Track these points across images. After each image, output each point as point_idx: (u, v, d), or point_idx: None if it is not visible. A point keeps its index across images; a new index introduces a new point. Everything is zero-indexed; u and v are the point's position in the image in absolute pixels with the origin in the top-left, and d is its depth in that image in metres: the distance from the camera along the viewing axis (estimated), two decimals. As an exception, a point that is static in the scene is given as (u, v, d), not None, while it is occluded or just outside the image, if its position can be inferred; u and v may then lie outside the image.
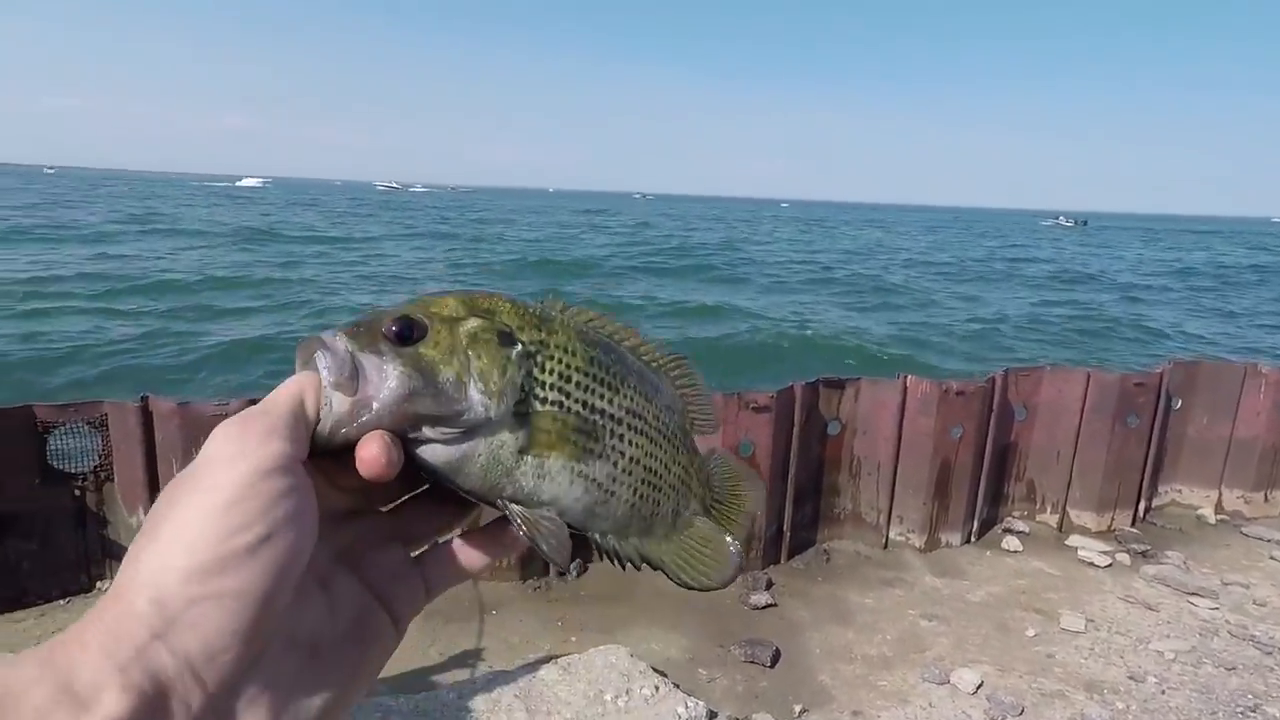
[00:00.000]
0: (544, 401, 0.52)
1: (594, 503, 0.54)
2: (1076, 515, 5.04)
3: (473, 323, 0.51)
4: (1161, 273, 31.06)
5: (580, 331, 0.56)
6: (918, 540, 4.66)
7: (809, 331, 14.82)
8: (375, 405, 0.46)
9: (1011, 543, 4.79)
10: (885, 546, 4.67)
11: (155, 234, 29.35)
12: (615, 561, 0.57)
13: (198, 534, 0.36)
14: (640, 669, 3.11)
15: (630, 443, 0.56)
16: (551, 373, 0.52)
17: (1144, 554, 4.71)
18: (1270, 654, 3.64)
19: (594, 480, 0.53)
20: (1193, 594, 4.21)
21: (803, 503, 4.54)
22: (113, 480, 3.81)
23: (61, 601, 3.71)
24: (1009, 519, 5.07)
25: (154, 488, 3.74)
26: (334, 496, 0.47)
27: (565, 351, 0.54)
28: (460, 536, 0.54)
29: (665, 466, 0.60)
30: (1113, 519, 5.03)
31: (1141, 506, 5.18)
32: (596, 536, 0.56)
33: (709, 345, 13.23)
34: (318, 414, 0.45)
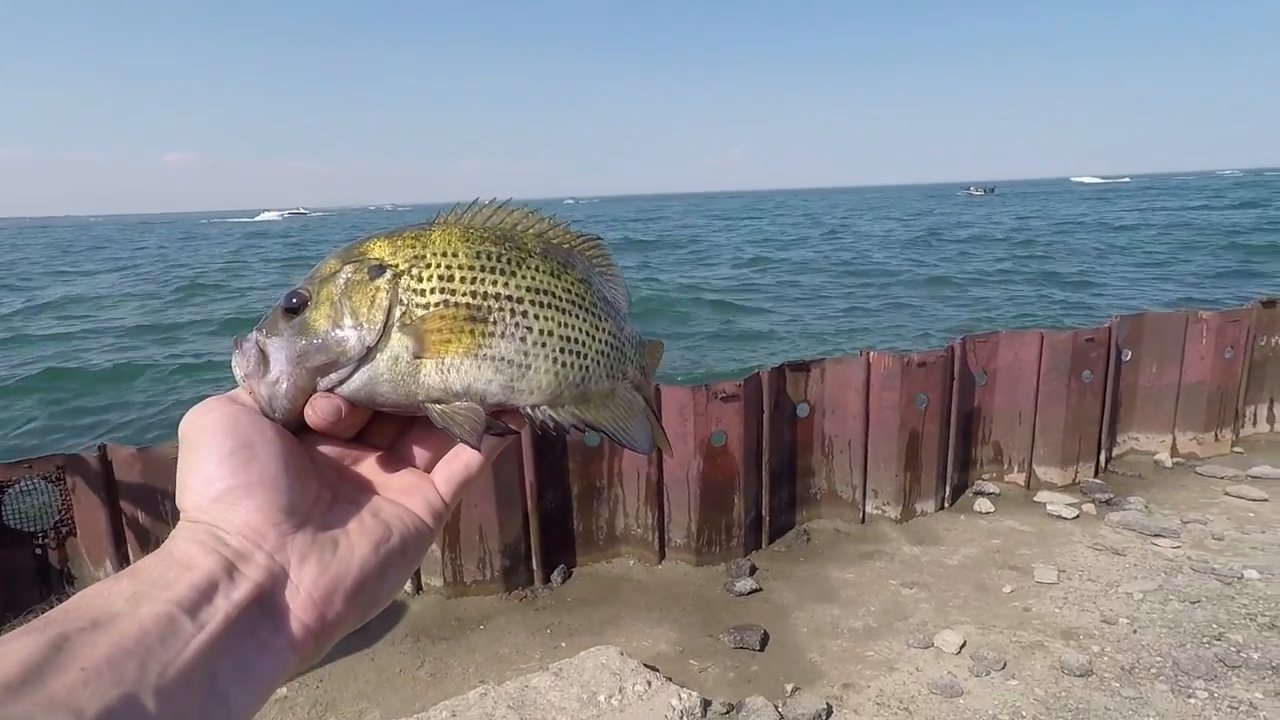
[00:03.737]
0: (427, 306, 0.57)
1: (510, 379, 0.58)
2: (1043, 472, 5.19)
3: (345, 271, 0.58)
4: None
5: (466, 231, 0.60)
6: (893, 512, 4.76)
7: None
8: (283, 377, 0.55)
9: (983, 505, 4.92)
10: (863, 521, 4.76)
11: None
12: (554, 430, 0.60)
13: (197, 460, 0.51)
14: (631, 667, 3.13)
15: (537, 317, 0.59)
16: (431, 278, 0.57)
17: (1108, 502, 4.88)
18: (1230, 584, 3.80)
19: (503, 358, 0.58)
20: (1156, 535, 4.38)
21: (779, 487, 4.60)
22: (75, 534, 3.70)
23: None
24: (979, 482, 5.20)
25: (119, 538, 3.63)
26: (339, 445, 0.59)
27: (445, 255, 0.58)
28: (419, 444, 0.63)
29: (586, 335, 0.62)
30: (1076, 472, 5.19)
31: (1102, 457, 5.35)
32: (529, 409, 0.59)
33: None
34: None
